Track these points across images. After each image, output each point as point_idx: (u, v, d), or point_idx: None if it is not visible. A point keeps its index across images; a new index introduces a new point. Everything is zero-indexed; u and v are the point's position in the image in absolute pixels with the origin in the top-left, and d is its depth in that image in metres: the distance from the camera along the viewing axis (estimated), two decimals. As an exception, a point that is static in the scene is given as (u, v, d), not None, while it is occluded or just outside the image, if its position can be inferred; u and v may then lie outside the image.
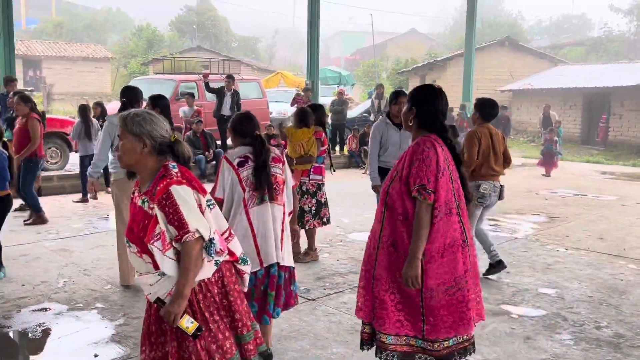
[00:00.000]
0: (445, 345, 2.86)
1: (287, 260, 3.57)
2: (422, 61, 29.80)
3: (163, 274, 2.44)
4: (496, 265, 5.59)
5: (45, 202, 8.56)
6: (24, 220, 7.48)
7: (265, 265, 3.44)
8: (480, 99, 5.87)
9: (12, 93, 8.94)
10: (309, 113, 5.98)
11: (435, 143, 2.87)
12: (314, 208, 5.98)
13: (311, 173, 5.96)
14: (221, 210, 3.39)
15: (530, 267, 5.97)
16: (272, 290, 3.48)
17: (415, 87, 3.12)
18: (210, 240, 2.44)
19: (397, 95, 5.77)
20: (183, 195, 2.39)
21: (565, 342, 4.13)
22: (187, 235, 2.37)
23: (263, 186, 3.43)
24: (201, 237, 2.40)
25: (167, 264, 2.42)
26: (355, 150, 14.29)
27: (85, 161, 9.13)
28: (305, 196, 5.97)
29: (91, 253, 6.19)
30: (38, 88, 31.53)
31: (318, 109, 6.26)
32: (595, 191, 11.21)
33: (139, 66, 32.55)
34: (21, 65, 32.06)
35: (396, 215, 2.88)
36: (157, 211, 2.40)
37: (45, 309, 4.56)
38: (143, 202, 2.47)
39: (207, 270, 2.48)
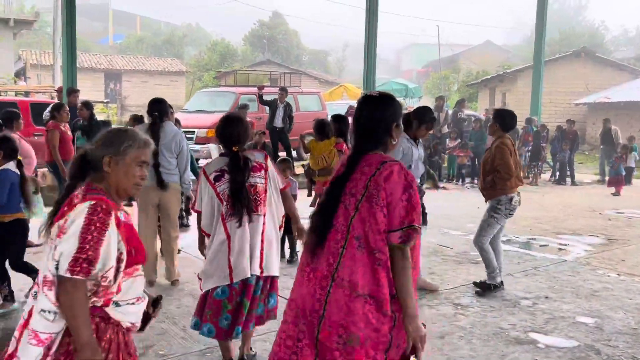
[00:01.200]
0: None
1: (268, 269, 3.51)
2: (492, 73, 28.91)
3: None
4: (490, 288, 5.41)
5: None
6: None
7: (235, 280, 3.41)
8: (499, 110, 5.91)
9: (80, 103, 9.48)
10: (327, 124, 5.96)
11: None
12: None
13: None
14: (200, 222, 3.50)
15: (572, 293, 5.53)
16: (248, 299, 3.46)
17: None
18: None
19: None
20: None
21: (592, 378, 3.76)
22: None
23: (242, 207, 3.38)
24: None
25: None
26: (412, 164, 13.96)
27: None
28: (325, 207, 5.85)
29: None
30: (116, 100, 33.25)
31: (339, 119, 6.19)
32: (668, 212, 10.35)
33: (212, 79, 33.53)
34: (102, 78, 33.91)
35: None
36: None
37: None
38: None
39: None
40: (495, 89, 26.33)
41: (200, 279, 3.59)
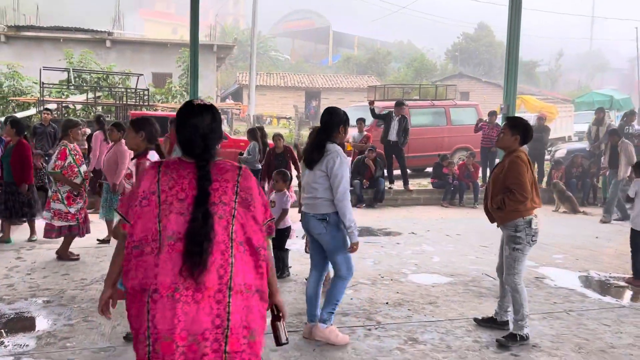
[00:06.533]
0: None
1: None
2: None
3: None
4: (500, 324, 4.73)
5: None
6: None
7: None
8: (518, 118, 4.90)
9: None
10: None
11: (154, 167, 2.41)
12: None
13: None
14: None
15: (576, 345, 4.45)
16: None
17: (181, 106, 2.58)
18: None
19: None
20: None
21: None
22: None
23: None
24: None
25: None
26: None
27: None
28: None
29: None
30: (317, 117, 35.46)
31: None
32: None
33: (401, 94, 33.78)
34: (304, 95, 36.49)
35: None
36: None
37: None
38: None
39: None
40: None
41: None
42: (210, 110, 2.46)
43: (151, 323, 2.25)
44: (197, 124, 2.43)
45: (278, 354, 4.15)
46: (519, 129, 4.55)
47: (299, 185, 5.91)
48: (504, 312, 4.77)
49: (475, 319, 4.89)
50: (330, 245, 4.30)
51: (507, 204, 4.42)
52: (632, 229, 6.45)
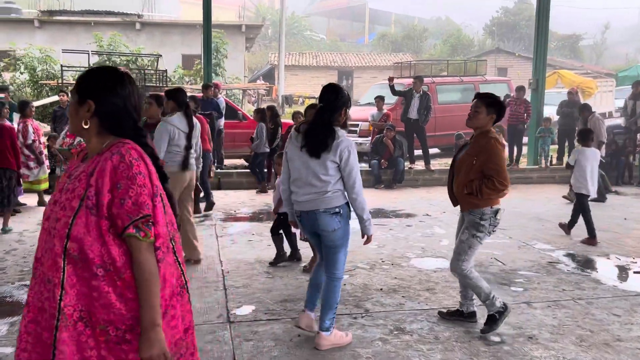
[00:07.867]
0: None
1: None
2: None
3: None
4: (467, 316, 4.36)
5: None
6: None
7: None
8: (490, 94, 4.30)
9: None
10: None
11: (142, 153, 1.99)
12: None
13: None
14: None
15: (578, 338, 4.08)
16: None
17: (85, 72, 2.09)
18: None
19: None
20: None
21: None
22: None
23: None
24: None
25: None
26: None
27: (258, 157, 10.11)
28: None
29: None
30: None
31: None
32: None
33: (438, 71, 32.96)
34: (336, 75, 35.98)
35: (91, 268, 1.86)
36: None
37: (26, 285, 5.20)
38: None
39: None
40: None
41: None
42: (132, 79, 2.08)
43: (188, 323, 2.12)
44: (129, 95, 2.03)
45: (251, 344, 3.95)
46: (495, 107, 4.07)
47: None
48: (470, 301, 4.35)
49: (440, 313, 4.48)
50: (340, 241, 3.79)
51: (483, 192, 3.99)
52: (576, 194, 7.05)
